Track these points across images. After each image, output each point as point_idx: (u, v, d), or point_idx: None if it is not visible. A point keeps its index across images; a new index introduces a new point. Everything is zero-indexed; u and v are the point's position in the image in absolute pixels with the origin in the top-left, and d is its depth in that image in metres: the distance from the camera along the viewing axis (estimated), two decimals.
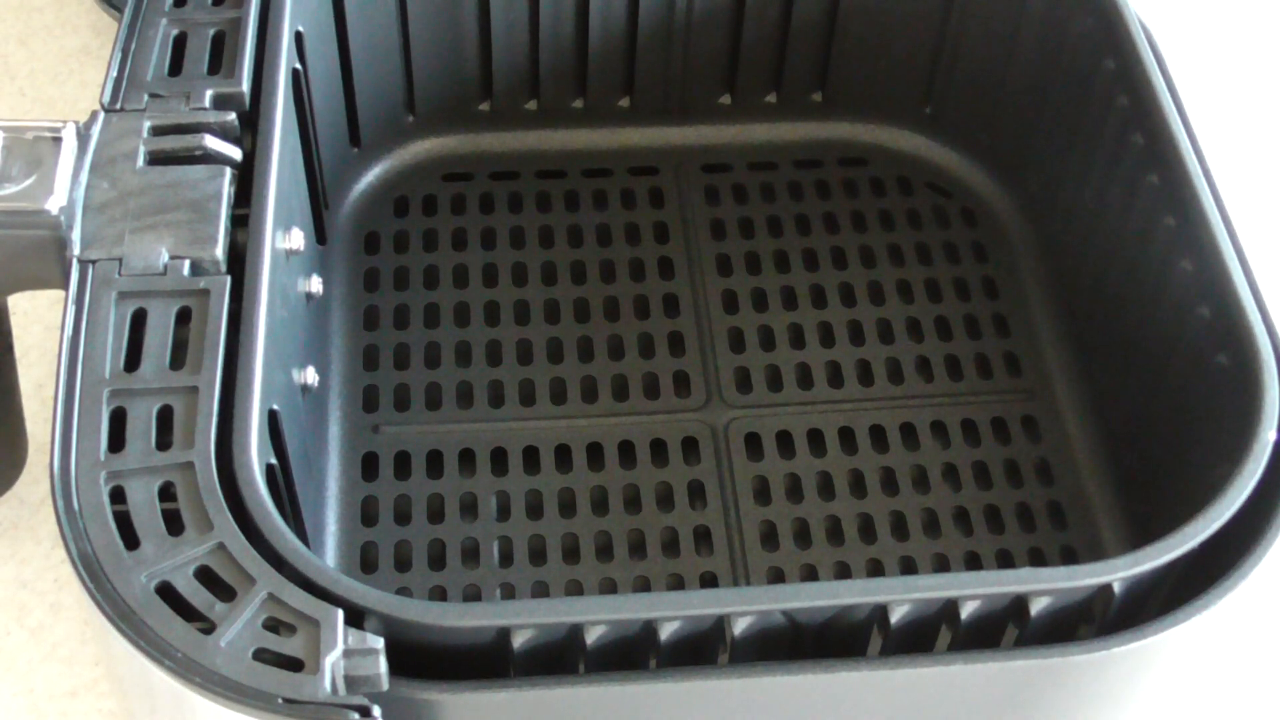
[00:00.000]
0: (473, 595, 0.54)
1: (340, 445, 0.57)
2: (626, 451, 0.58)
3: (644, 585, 0.55)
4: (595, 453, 0.58)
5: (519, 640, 0.42)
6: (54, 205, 0.47)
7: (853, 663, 0.43)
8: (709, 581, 0.55)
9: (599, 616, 0.42)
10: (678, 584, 0.55)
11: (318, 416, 0.56)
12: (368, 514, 0.56)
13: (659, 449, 0.58)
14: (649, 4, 0.63)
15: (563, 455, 0.58)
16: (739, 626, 0.43)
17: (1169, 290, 0.54)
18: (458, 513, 0.56)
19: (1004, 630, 0.44)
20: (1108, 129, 0.58)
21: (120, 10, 0.68)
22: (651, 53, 0.64)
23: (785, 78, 0.66)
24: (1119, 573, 0.43)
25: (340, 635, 0.40)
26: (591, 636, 0.42)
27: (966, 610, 0.43)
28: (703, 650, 0.44)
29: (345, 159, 0.64)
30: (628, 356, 0.61)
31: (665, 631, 0.43)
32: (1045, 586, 0.43)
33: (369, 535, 0.55)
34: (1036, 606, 0.43)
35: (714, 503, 0.57)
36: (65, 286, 0.47)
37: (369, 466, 0.57)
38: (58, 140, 0.48)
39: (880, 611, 0.43)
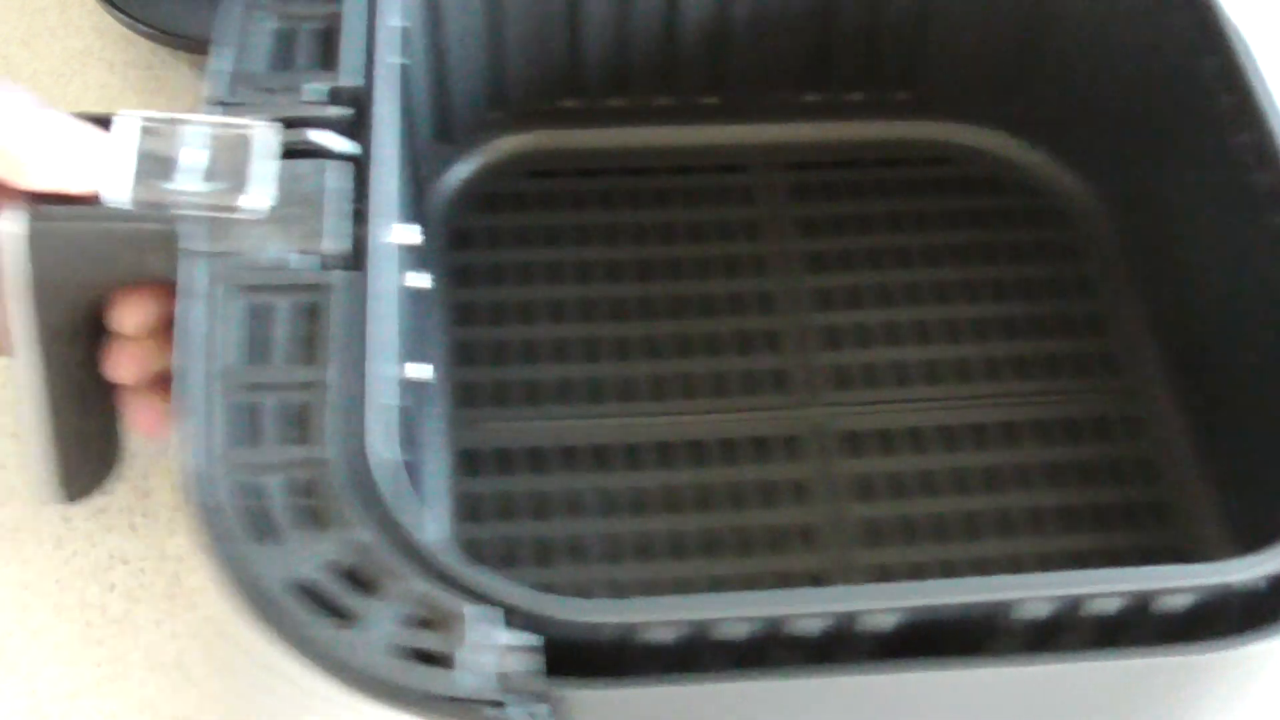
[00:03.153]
0: (582, 592, 0.54)
1: (441, 441, 0.57)
2: (727, 448, 0.58)
3: (750, 583, 0.55)
4: (696, 450, 0.58)
5: (655, 636, 0.42)
6: None
7: (988, 660, 0.43)
8: (816, 579, 0.55)
9: (739, 613, 0.42)
10: (784, 582, 0.55)
11: (418, 412, 0.56)
12: (471, 510, 0.56)
13: (760, 446, 0.58)
14: (742, 1, 0.63)
15: (664, 452, 0.58)
16: (874, 623, 0.43)
17: (1274, 290, 0.54)
18: (562, 509, 0.56)
19: (1147, 626, 0.44)
20: (1208, 128, 0.58)
21: (123, 12, 0.68)
22: (742, 50, 0.64)
23: (872, 76, 0.66)
24: (1259, 568, 0.43)
25: (486, 631, 0.40)
26: (727, 632, 0.42)
27: (1100, 606, 0.43)
28: (835, 647, 0.43)
29: (436, 155, 0.64)
30: (725, 354, 0.60)
31: (799, 628, 0.42)
32: (1189, 583, 0.43)
33: (473, 531, 0.55)
34: (1174, 602, 0.43)
35: (817, 500, 0.57)
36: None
37: (470, 462, 0.57)
38: None
39: (1017, 608, 0.43)
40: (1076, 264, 0.64)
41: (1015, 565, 0.56)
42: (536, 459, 0.57)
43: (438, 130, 0.63)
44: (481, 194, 0.65)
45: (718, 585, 0.55)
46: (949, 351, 0.61)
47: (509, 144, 0.66)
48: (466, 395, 0.59)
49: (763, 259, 0.63)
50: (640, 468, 0.57)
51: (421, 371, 0.53)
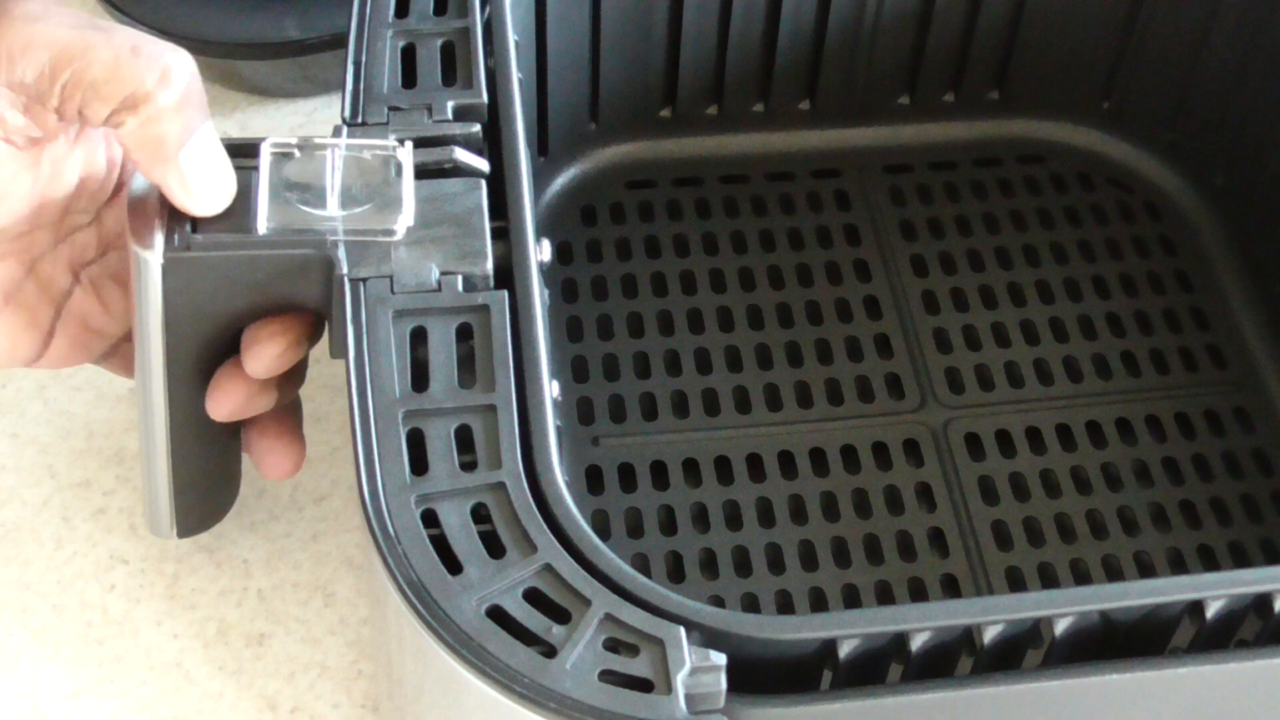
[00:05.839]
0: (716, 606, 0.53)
1: (563, 458, 0.56)
2: (849, 455, 0.58)
3: (885, 590, 0.55)
4: (819, 458, 0.57)
5: (847, 650, 0.42)
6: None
7: (1172, 660, 0.43)
8: (949, 584, 0.55)
9: (927, 624, 0.42)
10: (918, 588, 0.55)
11: None
12: (599, 528, 0.55)
13: (881, 452, 0.58)
14: (839, 9, 0.62)
15: (786, 461, 0.57)
16: (1059, 628, 0.43)
17: None
18: (690, 523, 0.56)
19: None
20: None
21: (123, 12, 0.68)
22: (837, 57, 0.64)
23: (964, 77, 0.66)
24: None
25: (686, 653, 0.40)
26: (923, 643, 0.42)
27: None
28: (1012, 654, 0.43)
29: (534, 169, 0.63)
30: (837, 360, 0.60)
31: (987, 635, 0.42)
32: None
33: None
34: None
35: (943, 504, 0.57)
36: (329, 306, 0.47)
37: (593, 479, 0.57)
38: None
39: (1196, 607, 0.43)
40: (1173, 257, 0.64)
41: (1145, 562, 0.56)
42: (659, 474, 0.57)
43: (537, 144, 0.63)
44: (579, 206, 0.64)
45: (852, 593, 0.55)
46: (1058, 350, 0.61)
47: (603, 155, 0.65)
48: (584, 411, 0.58)
49: (866, 264, 0.63)
50: (763, 478, 0.57)
51: (554, 390, 0.52)
